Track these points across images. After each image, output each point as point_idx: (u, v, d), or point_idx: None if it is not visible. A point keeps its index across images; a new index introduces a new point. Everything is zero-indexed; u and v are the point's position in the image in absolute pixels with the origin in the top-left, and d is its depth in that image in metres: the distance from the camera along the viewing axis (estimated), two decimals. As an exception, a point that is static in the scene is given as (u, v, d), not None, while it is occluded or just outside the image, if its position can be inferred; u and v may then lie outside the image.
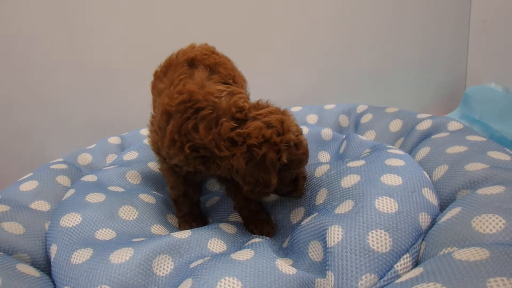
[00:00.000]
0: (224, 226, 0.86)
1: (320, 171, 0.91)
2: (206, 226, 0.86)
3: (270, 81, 1.64)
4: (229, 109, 0.76)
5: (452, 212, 0.68)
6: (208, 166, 0.80)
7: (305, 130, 1.19)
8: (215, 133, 0.75)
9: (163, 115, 0.81)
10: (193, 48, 0.95)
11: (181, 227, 0.92)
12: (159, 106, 0.83)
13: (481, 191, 0.70)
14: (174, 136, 0.79)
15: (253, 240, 0.78)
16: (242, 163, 0.74)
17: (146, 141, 1.17)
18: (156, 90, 0.92)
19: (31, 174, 1.00)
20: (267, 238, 0.83)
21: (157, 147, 0.87)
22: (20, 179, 0.98)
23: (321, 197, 0.85)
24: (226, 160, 0.75)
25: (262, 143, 0.73)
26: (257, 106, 0.80)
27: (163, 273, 0.69)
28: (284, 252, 0.79)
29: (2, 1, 1.32)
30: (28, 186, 0.94)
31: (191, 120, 0.77)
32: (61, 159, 1.10)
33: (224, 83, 0.85)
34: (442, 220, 0.69)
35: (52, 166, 1.03)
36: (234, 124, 0.75)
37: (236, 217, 0.93)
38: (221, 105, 0.77)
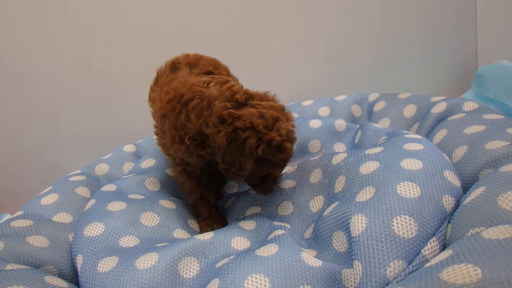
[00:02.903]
0: (243, 224, 0.86)
1: (337, 159, 0.91)
2: (226, 226, 0.86)
3: (278, 77, 1.63)
4: (223, 94, 0.79)
5: (476, 192, 0.67)
6: (208, 152, 0.82)
7: (318, 123, 1.18)
8: (207, 115, 0.78)
9: (161, 119, 0.85)
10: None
11: (203, 229, 0.92)
12: (156, 113, 0.89)
13: (504, 168, 0.69)
14: (172, 132, 0.82)
15: (275, 233, 0.77)
16: (224, 141, 0.76)
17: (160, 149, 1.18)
18: (151, 101, 0.97)
19: (51, 187, 1.01)
20: (289, 229, 0.82)
21: (167, 150, 0.91)
22: (40, 194, 0.99)
23: (339, 184, 0.84)
24: (212, 137, 0.78)
25: (247, 128, 0.75)
26: (263, 97, 0.83)
27: (189, 275, 0.70)
28: (307, 243, 0.78)
29: (13, 20, 1.34)
30: (49, 199, 0.95)
31: (182, 113, 0.80)
32: (79, 171, 1.11)
33: (206, 73, 0.89)
34: (466, 201, 0.67)
35: (70, 178, 1.04)
36: (229, 105, 0.78)
37: (252, 210, 0.93)
38: (212, 93, 0.80)
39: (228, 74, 0.99)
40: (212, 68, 0.91)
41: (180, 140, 0.82)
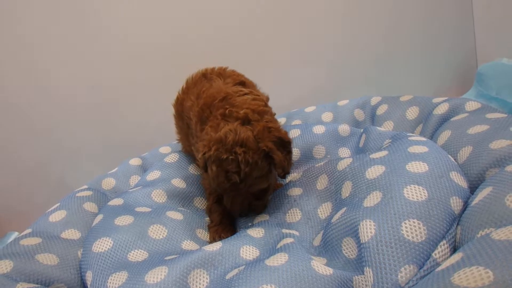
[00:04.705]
0: (252, 232, 0.86)
1: (342, 164, 0.91)
2: (234, 235, 0.86)
3: (278, 81, 1.64)
4: (248, 103, 0.86)
5: (483, 193, 0.67)
6: None
7: (322, 128, 1.19)
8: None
9: (195, 124, 0.93)
10: None
11: (211, 237, 0.93)
12: (193, 118, 0.96)
13: (510, 167, 0.68)
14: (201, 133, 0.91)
15: (284, 241, 0.77)
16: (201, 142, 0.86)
17: (168, 159, 1.18)
18: (183, 111, 1.05)
19: (58, 204, 1.01)
20: (298, 236, 0.82)
21: (198, 153, 0.97)
22: (48, 210, 0.99)
23: (346, 190, 0.84)
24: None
25: (211, 141, 0.82)
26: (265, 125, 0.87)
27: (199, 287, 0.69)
28: (317, 251, 0.78)
29: (13, 34, 1.35)
30: (57, 216, 0.95)
31: (206, 114, 0.89)
32: (86, 186, 1.11)
33: (239, 83, 0.97)
34: (474, 202, 0.67)
35: (78, 194, 1.04)
36: (226, 108, 0.85)
37: (260, 217, 0.93)
38: (236, 100, 0.87)
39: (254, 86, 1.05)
40: (244, 79, 0.99)
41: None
